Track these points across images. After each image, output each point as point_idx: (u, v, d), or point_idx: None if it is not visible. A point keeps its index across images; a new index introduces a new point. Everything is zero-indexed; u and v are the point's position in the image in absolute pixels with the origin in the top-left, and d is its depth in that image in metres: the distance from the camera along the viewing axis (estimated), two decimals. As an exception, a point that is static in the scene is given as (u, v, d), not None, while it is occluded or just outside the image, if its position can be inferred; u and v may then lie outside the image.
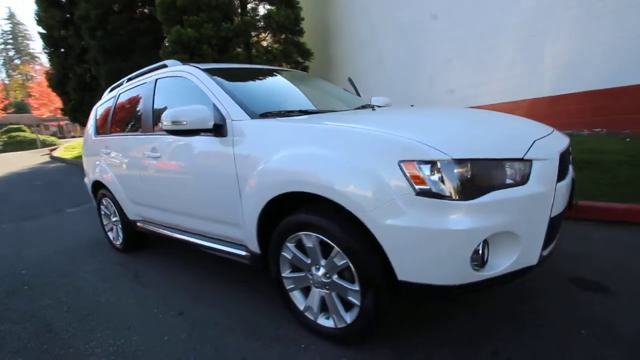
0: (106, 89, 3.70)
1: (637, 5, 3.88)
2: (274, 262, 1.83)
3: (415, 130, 1.42)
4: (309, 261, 1.69)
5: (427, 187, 1.26)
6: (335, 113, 2.10)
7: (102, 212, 3.54)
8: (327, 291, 1.66)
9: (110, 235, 3.52)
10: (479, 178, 1.28)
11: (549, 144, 1.50)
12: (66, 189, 8.12)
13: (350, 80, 3.37)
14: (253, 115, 1.91)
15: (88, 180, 3.64)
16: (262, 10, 8.62)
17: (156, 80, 2.64)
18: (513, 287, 1.96)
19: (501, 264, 1.34)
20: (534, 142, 1.44)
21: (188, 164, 2.20)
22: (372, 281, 1.46)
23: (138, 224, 3.02)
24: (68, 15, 11.43)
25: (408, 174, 1.29)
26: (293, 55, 8.10)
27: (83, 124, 13.68)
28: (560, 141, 1.66)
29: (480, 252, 1.30)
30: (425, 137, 1.33)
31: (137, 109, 2.81)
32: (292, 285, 1.81)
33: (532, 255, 1.39)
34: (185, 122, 1.90)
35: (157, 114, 2.56)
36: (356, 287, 1.51)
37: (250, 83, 2.35)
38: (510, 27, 5.41)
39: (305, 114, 2.03)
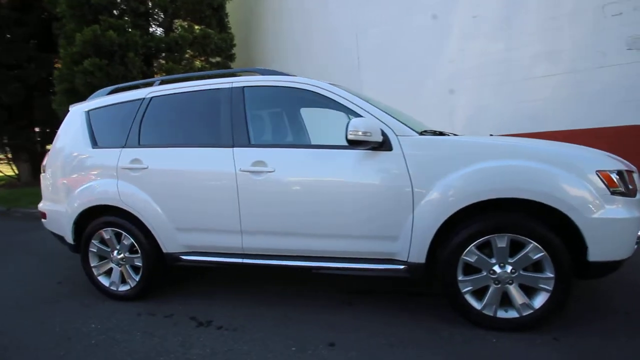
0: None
1: (526, 80, 5.79)
2: (449, 268, 1.95)
3: (587, 150, 1.94)
4: (493, 260, 1.92)
5: (618, 188, 1.77)
6: (469, 135, 2.40)
7: (92, 251, 2.62)
8: (510, 285, 1.91)
9: (104, 280, 2.64)
10: (634, 183, 1.89)
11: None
12: None
13: None
14: (417, 132, 2.06)
15: (65, 210, 2.65)
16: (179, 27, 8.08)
17: (243, 88, 2.36)
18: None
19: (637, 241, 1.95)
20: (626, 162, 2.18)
21: (332, 179, 2.07)
22: (567, 267, 1.82)
23: (183, 257, 2.44)
24: None
25: (605, 180, 1.77)
26: (226, 80, 7.85)
27: None
28: None
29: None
30: (603, 154, 1.87)
31: (209, 117, 2.39)
32: (470, 287, 1.96)
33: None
34: (369, 134, 1.88)
35: (257, 125, 2.29)
36: (549, 275, 1.84)
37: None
38: (431, 83, 6.91)
39: (441, 134, 2.29)
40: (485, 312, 1.95)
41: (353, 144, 1.93)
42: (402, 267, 2.04)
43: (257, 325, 2.17)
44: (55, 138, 2.80)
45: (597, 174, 1.78)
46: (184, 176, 2.36)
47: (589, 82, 5.20)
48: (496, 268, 1.91)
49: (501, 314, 1.94)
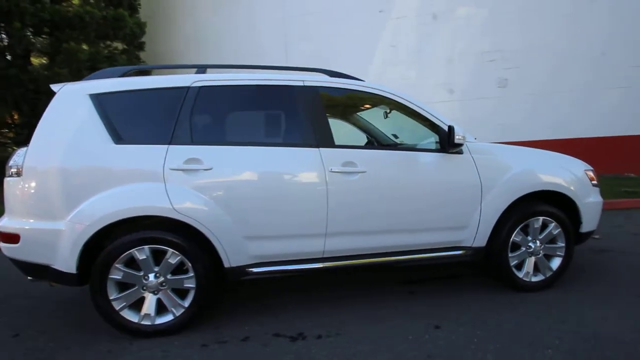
0: None
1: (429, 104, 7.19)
2: (503, 248, 2.46)
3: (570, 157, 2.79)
4: (529, 238, 2.51)
5: (595, 182, 2.65)
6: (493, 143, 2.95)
7: (114, 279, 1.99)
8: (539, 255, 2.55)
9: (131, 315, 2.05)
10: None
11: None
12: None
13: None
14: (474, 139, 2.50)
15: (66, 227, 1.92)
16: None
17: (316, 87, 2.30)
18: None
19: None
20: None
21: (419, 178, 2.30)
22: (573, 238, 2.57)
23: (251, 270, 2.17)
24: None
25: (589, 176, 2.62)
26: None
27: None
28: None
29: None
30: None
31: (279, 115, 2.23)
32: (516, 261, 2.50)
33: None
34: (464, 139, 2.20)
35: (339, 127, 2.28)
36: (562, 245, 2.56)
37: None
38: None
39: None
40: (524, 279, 2.53)
41: (454, 147, 2.22)
42: (470, 252, 2.43)
43: (354, 327, 2.15)
44: (40, 128, 1.98)
45: (585, 173, 2.63)
46: (261, 177, 2.12)
47: (475, 108, 6.94)
48: (531, 244, 2.53)
49: (533, 278, 2.56)
